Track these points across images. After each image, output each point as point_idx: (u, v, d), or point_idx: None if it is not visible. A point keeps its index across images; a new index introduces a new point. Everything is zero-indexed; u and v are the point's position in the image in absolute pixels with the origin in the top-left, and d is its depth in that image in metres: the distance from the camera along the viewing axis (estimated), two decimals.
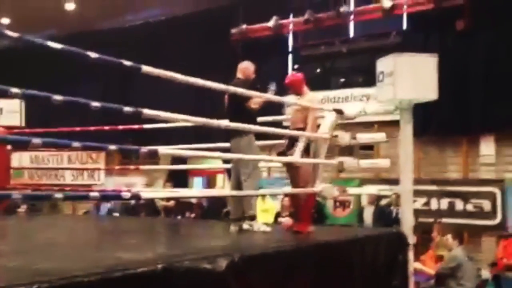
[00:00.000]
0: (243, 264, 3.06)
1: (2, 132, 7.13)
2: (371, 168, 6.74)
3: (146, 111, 3.15)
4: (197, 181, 12.77)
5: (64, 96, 2.77)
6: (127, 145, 3.59)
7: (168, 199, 9.32)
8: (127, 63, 3.06)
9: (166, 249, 3.50)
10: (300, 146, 4.80)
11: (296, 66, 11.47)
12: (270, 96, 4.83)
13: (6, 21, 12.73)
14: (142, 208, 9.03)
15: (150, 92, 11.94)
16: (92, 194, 2.86)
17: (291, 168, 5.03)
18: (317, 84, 11.24)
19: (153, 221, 7.15)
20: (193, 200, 10.25)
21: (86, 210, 9.71)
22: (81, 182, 12.90)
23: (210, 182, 12.52)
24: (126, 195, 3.07)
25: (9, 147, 7.31)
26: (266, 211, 9.62)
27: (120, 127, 6.68)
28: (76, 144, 2.79)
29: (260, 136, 5.18)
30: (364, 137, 5.54)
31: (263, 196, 9.34)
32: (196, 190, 10.99)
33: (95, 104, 2.82)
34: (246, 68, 5.11)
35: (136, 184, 12.02)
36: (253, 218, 4.66)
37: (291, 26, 11.28)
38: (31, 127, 7.75)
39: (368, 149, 10.10)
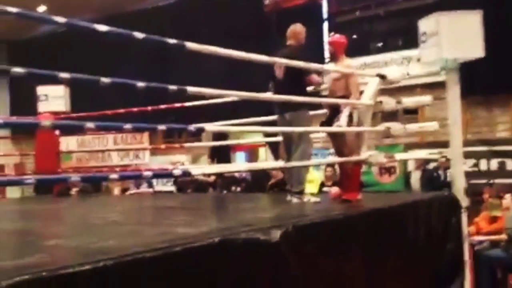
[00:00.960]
0: (296, 234, 3.07)
1: (49, 117, 7.33)
2: (417, 132, 6.60)
3: (191, 89, 3.17)
4: (240, 155, 12.86)
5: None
6: (169, 124, 3.59)
7: (208, 175, 9.39)
8: (171, 40, 3.08)
9: (219, 223, 3.54)
10: (344, 114, 4.75)
11: (332, 34, 11.25)
12: (311, 65, 4.72)
13: (42, 8, 12.93)
14: (189, 185, 9.16)
15: (189, 72, 12.03)
16: (145, 173, 2.91)
17: (335, 137, 4.99)
18: (355, 50, 11.03)
19: (201, 197, 7.26)
20: (236, 175, 10.33)
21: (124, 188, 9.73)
22: (127, 163, 13.18)
23: (252, 156, 12.58)
24: (178, 172, 3.12)
25: (57, 132, 7.52)
26: (311, 181, 9.56)
27: (163, 106, 6.78)
28: (127, 125, 2.83)
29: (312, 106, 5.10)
30: (409, 101, 5.45)
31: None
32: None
33: (141, 84, 2.85)
34: (299, 32, 4.84)
35: (180, 162, 12.19)
36: (302, 192, 4.62)
37: None
38: (76, 112, 7.91)
39: (412, 113, 9.91)
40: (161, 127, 2.99)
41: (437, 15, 5.11)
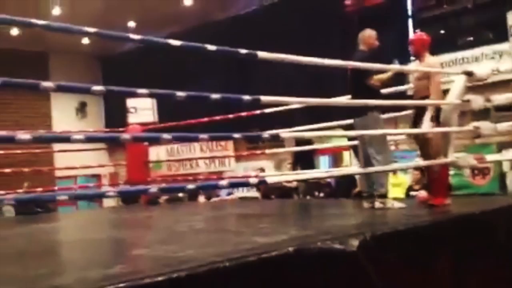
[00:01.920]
0: (375, 243, 2.98)
1: (138, 129, 7.68)
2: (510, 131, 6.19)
3: (264, 98, 3.17)
4: (323, 160, 12.71)
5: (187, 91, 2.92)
6: (253, 132, 3.61)
7: (290, 180, 9.35)
8: (243, 51, 3.10)
9: (298, 230, 3.51)
10: (427, 116, 4.56)
11: (417, 31, 10.88)
12: (391, 66, 4.59)
13: (132, 24, 13.56)
14: (273, 191, 9.20)
15: (271, 78, 12.11)
16: (221, 182, 2.94)
17: (420, 139, 4.80)
18: (442, 46, 10.56)
19: (283, 203, 7.26)
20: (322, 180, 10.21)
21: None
22: (213, 170, 13.47)
23: (336, 160, 12.40)
24: (254, 180, 3.13)
25: (146, 142, 7.84)
26: (398, 185, 9.29)
27: (243, 114, 6.87)
28: (203, 136, 2.90)
29: (385, 109, 4.99)
30: (500, 98, 5.12)
31: (395, 171, 9.05)
32: (322, 169, 10.95)
33: (215, 96, 2.90)
34: (368, 37, 4.80)
35: (264, 168, 12.27)
36: (384, 195, 4.49)
37: None
38: (164, 122, 8.21)
39: (506, 111, 9.30)
40: (236, 135, 3.01)
41: None
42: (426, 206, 4.50)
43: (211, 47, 2.94)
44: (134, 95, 2.86)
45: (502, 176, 8.85)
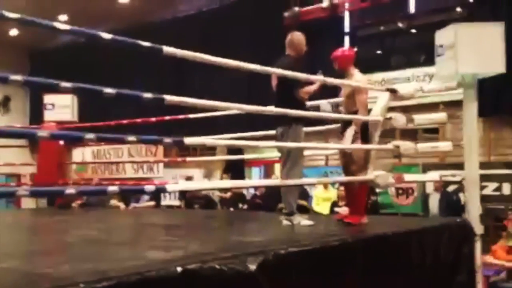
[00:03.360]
0: (277, 263, 2.75)
1: (53, 127, 7.18)
2: (433, 152, 6.20)
3: (168, 97, 2.89)
4: (255, 171, 12.54)
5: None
6: (181, 136, 3.27)
7: (225, 191, 9.09)
8: (146, 44, 2.82)
9: (200, 245, 3.24)
10: (349, 131, 4.42)
11: (355, 49, 10.95)
12: (320, 78, 4.36)
13: (63, 17, 12.95)
14: (197, 200, 8.88)
15: (207, 83, 11.85)
16: (110, 188, 2.63)
17: (343, 155, 4.66)
18: (376, 65, 10.70)
19: (202, 213, 6.97)
20: (245, 191, 10.03)
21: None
22: (141, 175, 13.00)
23: (268, 172, 12.24)
24: (150, 188, 2.84)
25: (61, 142, 7.35)
26: (328, 199, 9.23)
27: (168, 117, 6.55)
28: (130, 137, 2.67)
29: (311, 121, 4.80)
30: (422, 118, 5.05)
31: (326, 184, 8.97)
32: (251, 180, 10.76)
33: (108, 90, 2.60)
34: (297, 40, 4.45)
35: (193, 176, 11.96)
36: (291, 213, 4.26)
37: (346, 6, 10.70)
38: (85, 122, 7.74)
39: (433, 133, 9.48)
40: (131, 138, 2.72)
41: (454, 26, 4.75)
42: (342, 224, 4.34)
43: (106, 36, 2.64)
44: (57, 88, 2.55)
45: (425, 197, 8.93)
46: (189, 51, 3.02)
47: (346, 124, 4.52)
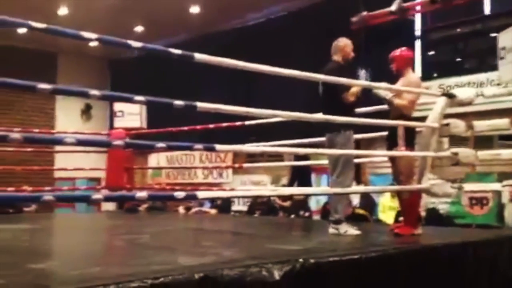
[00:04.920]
0: (304, 272, 2.69)
1: (123, 134, 7.49)
2: (498, 160, 5.82)
3: (200, 104, 2.93)
4: (324, 178, 12.36)
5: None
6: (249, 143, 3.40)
7: (284, 199, 9.03)
8: (177, 51, 2.88)
9: (234, 252, 3.24)
10: (400, 137, 4.26)
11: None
12: (366, 83, 4.29)
13: (140, 28, 13.46)
14: (258, 207, 8.90)
15: (273, 91, 11.89)
16: (138, 194, 2.70)
17: (392, 162, 4.50)
18: (449, 69, 10.25)
19: (256, 220, 6.99)
20: (314, 199, 9.92)
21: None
22: (211, 181, 13.22)
23: None
24: (180, 195, 2.88)
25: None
26: (394, 208, 8.92)
27: (225, 124, 6.64)
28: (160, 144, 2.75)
29: (362, 128, 4.69)
30: (483, 125, 4.78)
31: (393, 193, 8.68)
32: (318, 188, 10.59)
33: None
34: (345, 46, 4.43)
35: (261, 182, 12.01)
36: (339, 222, 4.15)
37: (417, 8, 10.31)
38: (153, 127, 8.01)
39: (509, 140, 8.91)
40: (160, 144, 2.78)
41: None
42: (392, 235, 4.18)
43: (135, 44, 2.73)
44: (131, 101, 2.80)
45: (500, 208, 8.41)
46: (220, 58, 3.05)
47: (392, 127, 4.36)
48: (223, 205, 9.34)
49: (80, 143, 2.54)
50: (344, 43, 4.43)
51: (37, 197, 2.24)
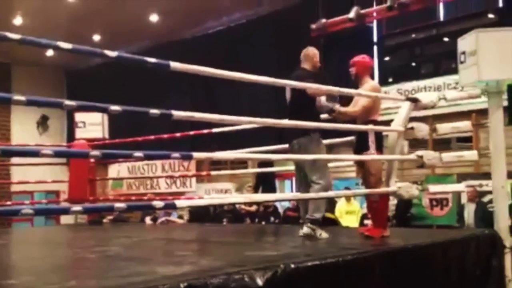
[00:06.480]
0: (285, 278, 2.71)
1: (84, 145, 7.33)
2: (460, 161, 6.00)
3: (176, 113, 2.91)
4: (287, 184, 12.45)
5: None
6: (212, 151, 3.35)
7: (250, 204, 9.08)
8: (152, 60, 2.86)
9: (211, 260, 3.22)
10: (371, 141, 4.34)
11: (386, 58, 10.84)
12: (336, 88, 4.33)
13: (97, 37, 13.27)
14: (225, 215, 8.88)
15: (235, 98, 11.94)
16: (117, 205, 2.66)
17: (361, 166, 4.58)
18: (406, 74, 10.54)
19: (224, 228, 6.98)
20: (279, 205, 9.98)
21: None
22: (174, 190, 13.10)
23: None
24: (158, 204, 2.85)
25: (92, 160, 7.49)
26: (351, 213, 9.10)
27: (192, 132, 6.61)
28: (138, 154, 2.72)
29: (327, 133, 4.75)
30: (445, 128, 4.93)
31: (348, 197, 8.83)
32: (281, 193, 10.66)
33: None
34: (314, 55, 4.51)
35: (226, 190, 11.99)
36: (317, 222, 4.22)
37: (373, 15, 10.58)
38: (115, 138, 7.87)
39: (466, 142, 9.24)
40: (137, 154, 2.74)
41: (476, 32, 4.63)
42: (362, 237, 4.26)
43: (111, 53, 2.69)
44: (105, 110, 2.71)
45: (460, 208, 8.67)
46: (197, 66, 3.05)
47: (360, 133, 4.46)
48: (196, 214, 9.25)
49: (57, 154, 2.48)
50: (313, 52, 4.54)
51: (16, 210, 2.18)
